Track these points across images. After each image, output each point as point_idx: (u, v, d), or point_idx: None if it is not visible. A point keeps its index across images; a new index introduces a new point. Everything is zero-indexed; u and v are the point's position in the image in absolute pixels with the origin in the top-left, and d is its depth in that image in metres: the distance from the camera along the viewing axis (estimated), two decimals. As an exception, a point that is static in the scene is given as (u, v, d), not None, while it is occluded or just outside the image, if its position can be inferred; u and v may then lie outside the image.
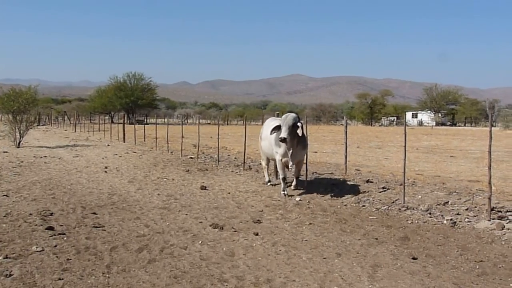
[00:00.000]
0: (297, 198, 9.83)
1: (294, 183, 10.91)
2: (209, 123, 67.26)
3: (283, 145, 10.07)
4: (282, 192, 10.26)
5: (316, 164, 14.84)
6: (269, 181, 11.76)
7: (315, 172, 12.96)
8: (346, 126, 11.14)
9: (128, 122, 56.76)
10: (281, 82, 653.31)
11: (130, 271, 5.37)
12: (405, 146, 9.51)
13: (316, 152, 18.43)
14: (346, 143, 12.91)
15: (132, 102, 74.60)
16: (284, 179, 10.34)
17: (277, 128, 10.12)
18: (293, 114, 10.10)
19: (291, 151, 10.05)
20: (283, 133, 9.68)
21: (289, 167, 10.22)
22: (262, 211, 8.72)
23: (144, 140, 26.74)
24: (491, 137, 7.85)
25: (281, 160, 10.40)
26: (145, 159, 17.48)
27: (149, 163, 16.26)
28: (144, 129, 29.78)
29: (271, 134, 10.42)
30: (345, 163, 12.80)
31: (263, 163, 12.05)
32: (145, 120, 70.04)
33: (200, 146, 19.33)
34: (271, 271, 5.44)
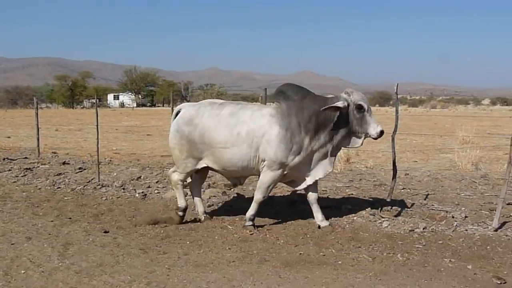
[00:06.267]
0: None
1: (320, 217, 6.31)
2: None
3: (310, 147, 5.95)
4: (250, 225, 6.27)
5: (8, 150, 13.93)
6: (185, 209, 6.61)
7: (7, 158, 12.15)
8: (37, 108, 10.75)
9: None
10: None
11: None
12: (97, 126, 9.71)
13: (9, 137, 17.23)
14: (37, 126, 12.48)
15: None
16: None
17: (317, 116, 5.86)
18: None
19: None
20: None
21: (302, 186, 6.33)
22: None
23: None
24: (173, 115, 8.63)
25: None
26: None
27: None
28: None
29: (307, 124, 5.85)
30: (38, 146, 12.40)
31: (177, 178, 6.58)
32: None
33: None
34: None
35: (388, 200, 7.00)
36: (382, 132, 5.85)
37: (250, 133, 5.94)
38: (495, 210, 6.24)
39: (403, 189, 8.41)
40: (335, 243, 5.70)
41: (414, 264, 5.06)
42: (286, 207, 7.22)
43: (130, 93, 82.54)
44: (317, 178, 6.20)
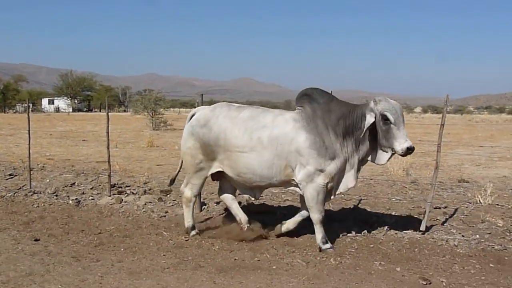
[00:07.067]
0: None
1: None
2: None
3: (342, 153, 5.58)
4: (330, 247, 5.72)
5: None
6: (194, 227, 6.27)
7: None
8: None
9: None
10: None
11: None
12: (29, 131, 9.46)
13: None
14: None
15: None
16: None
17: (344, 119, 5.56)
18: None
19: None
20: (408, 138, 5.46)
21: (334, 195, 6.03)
22: None
23: None
24: (108, 120, 8.57)
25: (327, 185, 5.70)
26: None
27: None
28: None
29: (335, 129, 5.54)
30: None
31: (190, 194, 6.18)
32: None
33: None
34: None
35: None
36: (409, 149, 5.33)
37: (274, 140, 5.55)
38: (423, 214, 6.51)
39: (337, 194, 8.59)
40: (270, 248, 5.77)
41: (346, 267, 5.20)
42: (221, 213, 7.24)
43: (65, 98, 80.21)
44: (337, 192, 5.92)
